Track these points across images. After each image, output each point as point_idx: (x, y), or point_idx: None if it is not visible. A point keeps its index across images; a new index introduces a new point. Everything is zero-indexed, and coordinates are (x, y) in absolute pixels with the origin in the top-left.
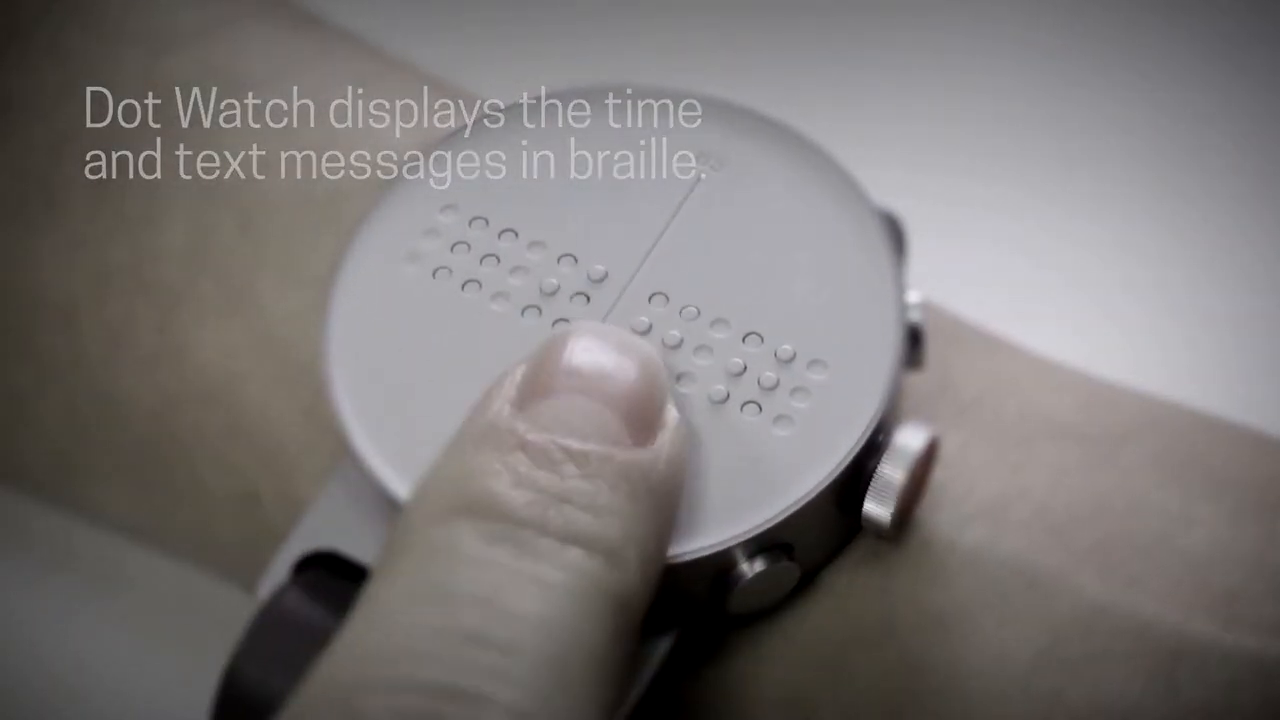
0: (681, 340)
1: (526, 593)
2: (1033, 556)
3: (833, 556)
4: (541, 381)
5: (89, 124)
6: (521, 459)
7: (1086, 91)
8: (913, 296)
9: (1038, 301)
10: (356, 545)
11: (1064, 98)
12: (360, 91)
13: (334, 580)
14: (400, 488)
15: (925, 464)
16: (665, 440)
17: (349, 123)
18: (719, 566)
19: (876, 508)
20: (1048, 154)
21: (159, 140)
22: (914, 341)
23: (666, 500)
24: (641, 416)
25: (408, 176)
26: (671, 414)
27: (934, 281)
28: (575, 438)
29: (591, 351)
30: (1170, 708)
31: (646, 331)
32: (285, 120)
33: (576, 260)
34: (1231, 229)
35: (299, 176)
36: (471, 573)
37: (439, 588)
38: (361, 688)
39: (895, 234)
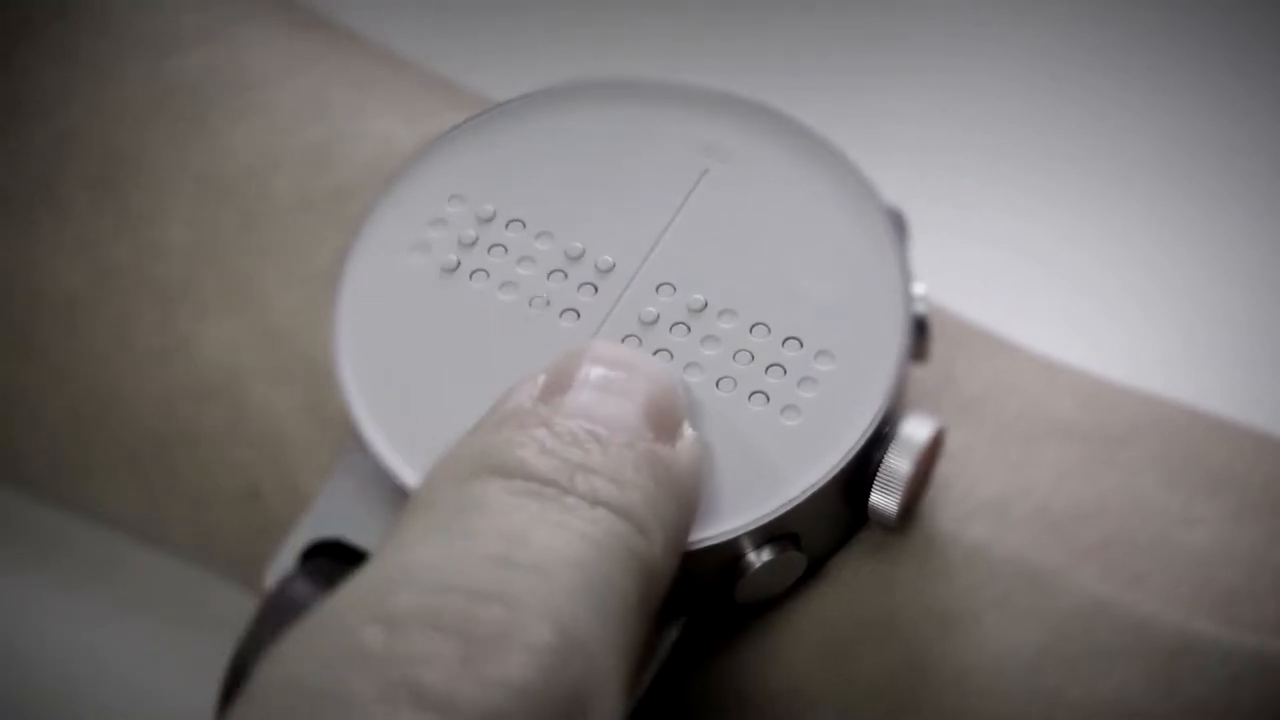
0: (689, 330)
1: (556, 534)
2: (1034, 554)
3: (838, 547)
4: (563, 381)
5: (92, 123)
6: (546, 435)
7: (1088, 92)
8: (918, 288)
9: (1038, 301)
10: (364, 534)
11: (1066, 98)
12: (363, 90)
13: (341, 569)
14: (409, 475)
15: (931, 456)
16: (685, 445)
17: (352, 121)
18: (727, 555)
19: (882, 499)
20: (1049, 154)
21: (162, 139)
22: (919, 333)
23: (687, 497)
24: (661, 420)
25: (415, 167)
26: (689, 430)
27: (936, 281)
28: (599, 424)
29: (613, 358)
30: (1170, 705)
31: (654, 321)
32: (288, 119)
33: (584, 251)
34: (1232, 229)
35: (302, 174)
36: (499, 516)
37: (466, 526)
38: (392, 587)
39: (899, 227)
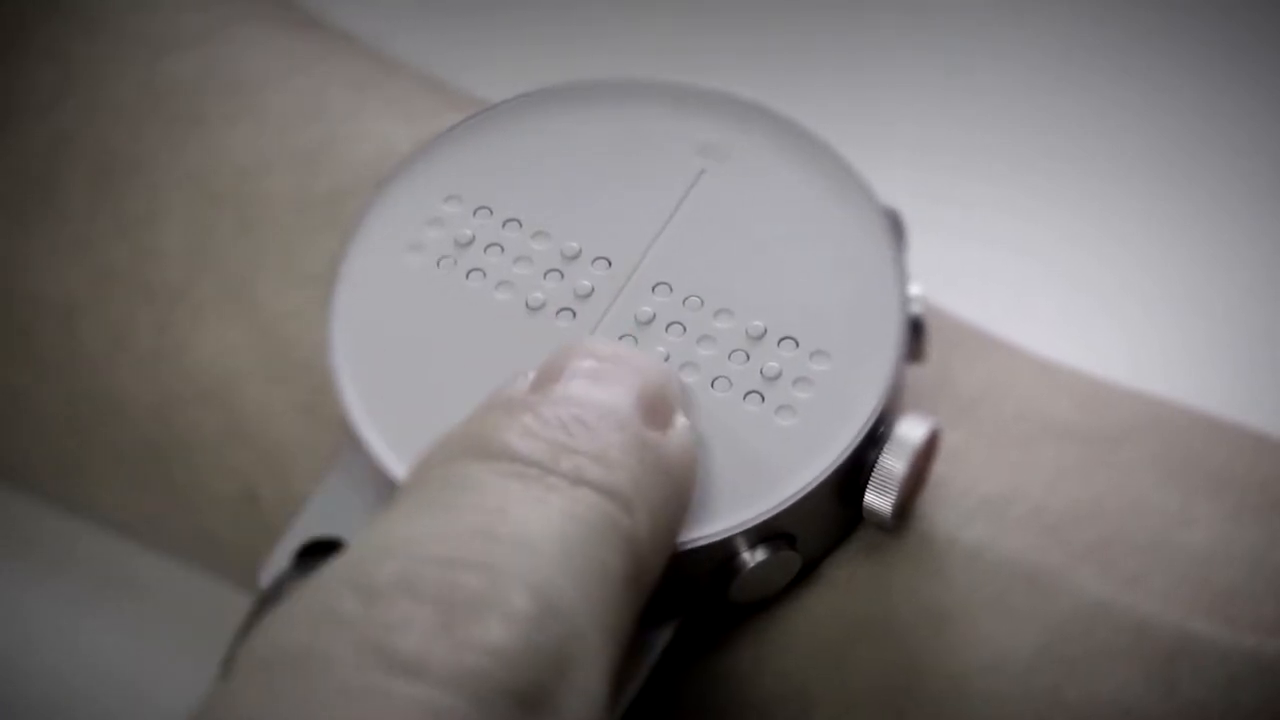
0: (685, 330)
1: (537, 510)
2: (1032, 555)
3: (834, 548)
4: (554, 372)
5: (89, 124)
6: (532, 419)
7: (1088, 92)
8: (915, 289)
9: (1037, 301)
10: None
11: (1066, 98)
12: (362, 92)
13: None
14: (404, 473)
15: (926, 456)
16: (677, 433)
17: (349, 123)
18: (721, 555)
19: (877, 499)
20: (1049, 154)
21: (159, 140)
22: (916, 333)
23: (679, 483)
24: (653, 408)
25: (411, 167)
26: (683, 419)
27: (934, 280)
28: (588, 410)
29: (605, 351)
30: (1169, 706)
31: (650, 321)
32: (287, 120)
33: (580, 250)
34: (1232, 229)
35: (299, 177)
36: (480, 494)
37: (447, 503)
38: (373, 560)
39: (896, 228)
